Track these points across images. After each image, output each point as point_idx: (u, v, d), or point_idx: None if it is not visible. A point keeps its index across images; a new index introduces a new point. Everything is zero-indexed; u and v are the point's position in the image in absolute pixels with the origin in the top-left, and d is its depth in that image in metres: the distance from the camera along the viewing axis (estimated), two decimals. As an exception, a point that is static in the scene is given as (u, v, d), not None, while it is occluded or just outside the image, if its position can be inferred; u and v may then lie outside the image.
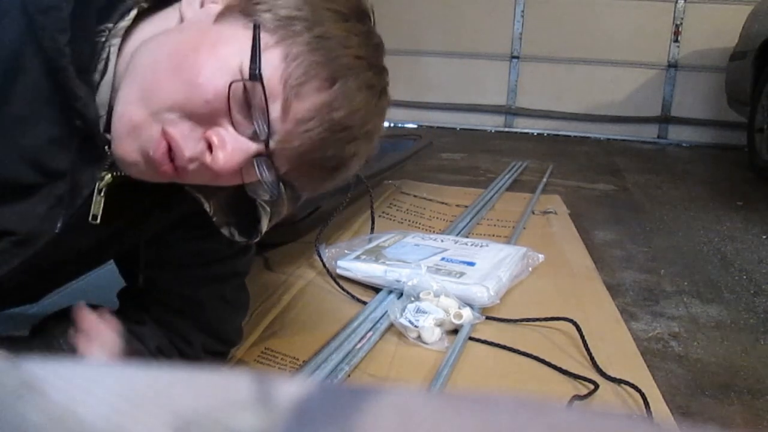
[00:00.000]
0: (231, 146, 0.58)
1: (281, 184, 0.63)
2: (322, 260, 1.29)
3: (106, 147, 0.61)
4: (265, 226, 0.76)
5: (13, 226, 0.61)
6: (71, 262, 0.74)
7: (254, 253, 0.90)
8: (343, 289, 1.22)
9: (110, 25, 0.61)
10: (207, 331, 0.84)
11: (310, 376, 0.89)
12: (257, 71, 0.56)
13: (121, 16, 0.61)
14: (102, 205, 0.64)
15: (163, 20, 0.63)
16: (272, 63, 0.57)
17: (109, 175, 0.64)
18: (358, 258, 1.31)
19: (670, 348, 1.13)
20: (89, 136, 0.60)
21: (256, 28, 0.58)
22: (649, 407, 0.87)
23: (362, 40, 0.61)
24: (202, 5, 0.61)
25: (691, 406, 0.94)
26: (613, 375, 0.95)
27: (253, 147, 0.59)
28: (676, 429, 0.15)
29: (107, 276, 0.89)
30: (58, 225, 0.62)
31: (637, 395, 0.90)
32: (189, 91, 0.56)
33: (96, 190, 0.64)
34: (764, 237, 1.92)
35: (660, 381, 0.97)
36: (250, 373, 0.16)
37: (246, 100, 0.57)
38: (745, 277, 1.54)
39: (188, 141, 0.58)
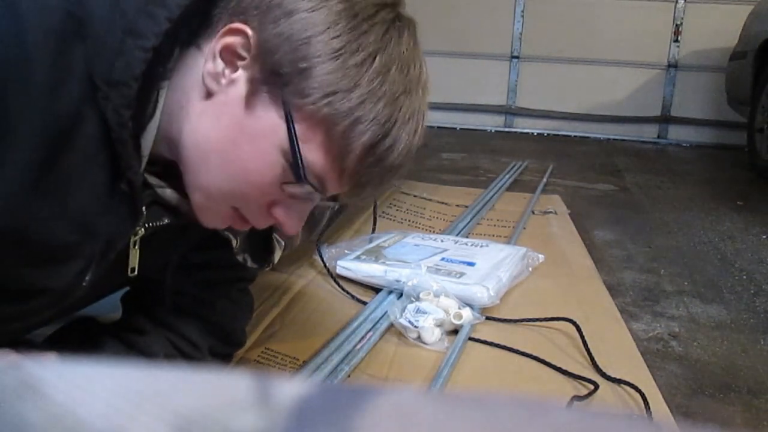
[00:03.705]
0: (297, 218, 0.64)
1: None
2: (322, 260, 1.29)
3: (143, 207, 0.63)
4: (277, 257, 0.80)
5: (50, 284, 0.60)
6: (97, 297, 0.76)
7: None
8: (343, 289, 1.22)
9: (166, 82, 0.59)
10: (215, 333, 0.84)
11: (310, 376, 0.89)
12: (301, 172, 0.58)
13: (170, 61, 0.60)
14: (138, 257, 0.67)
15: (188, 69, 0.60)
16: (315, 153, 0.58)
17: (143, 230, 0.65)
18: (358, 258, 1.31)
19: (670, 348, 1.13)
20: (131, 199, 0.61)
21: (290, 120, 0.57)
22: (649, 407, 0.87)
23: (397, 70, 0.59)
24: (223, 76, 0.58)
25: (691, 406, 0.94)
26: (613, 375, 0.95)
27: (315, 202, 0.63)
28: (676, 429, 0.15)
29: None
30: (87, 279, 0.62)
31: (637, 395, 0.90)
32: (244, 188, 0.60)
33: (132, 244, 0.66)
34: (764, 237, 1.92)
35: (660, 381, 0.97)
36: (250, 373, 0.16)
37: (299, 186, 0.61)
38: (745, 277, 1.54)
39: (258, 218, 0.63)
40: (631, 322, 1.21)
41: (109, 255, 0.63)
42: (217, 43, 0.57)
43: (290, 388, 0.15)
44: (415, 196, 2.07)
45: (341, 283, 1.25)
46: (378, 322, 1.08)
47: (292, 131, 0.57)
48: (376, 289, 1.24)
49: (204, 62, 0.58)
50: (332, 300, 1.20)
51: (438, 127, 4.62)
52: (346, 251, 1.35)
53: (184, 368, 0.16)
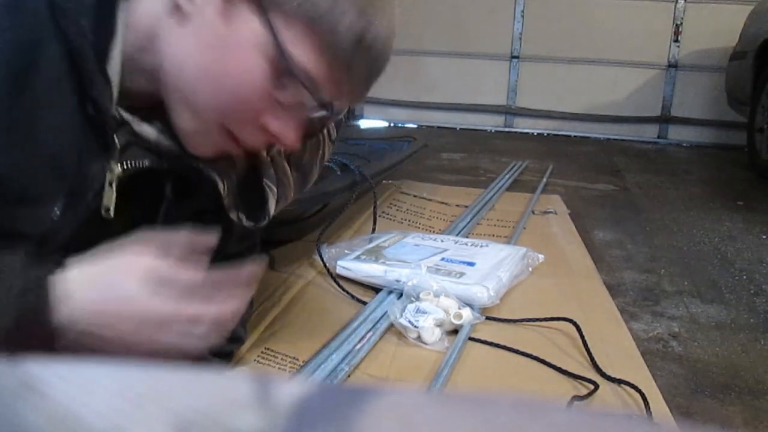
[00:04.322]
0: (292, 127, 0.63)
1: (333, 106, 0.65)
2: (323, 260, 1.29)
3: (115, 136, 0.61)
4: (272, 208, 0.77)
5: (26, 228, 0.59)
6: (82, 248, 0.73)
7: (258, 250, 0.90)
8: (343, 289, 1.22)
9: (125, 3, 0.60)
10: None
11: (310, 377, 0.89)
12: (289, 66, 0.58)
13: None
14: (114, 197, 0.63)
15: None
16: (301, 49, 0.59)
17: (119, 168, 0.63)
18: (358, 258, 1.31)
19: (670, 348, 1.13)
20: (100, 125, 0.60)
21: (271, 25, 0.58)
22: (649, 407, 0.87)
23: None
24: None
25: (691, 406, 0.94)
26: (613, 375, 0.95)
27: (310, 111, 0.63)
28: (676, 429, 0.15)
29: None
30: (58, 215, 0.60)
31: (637, 395, 0.90)
32: (233, 101, 0.60)
33: (107, 183, 0.63)
34: (764, 237, 1.92)
35: (660, 381, 0.97)
36: (250, 373, 0.16)
37: (290, 86, 0.60)
38: (745, 277, 1.54)
39: (251, 134, 0.63)
40: (631, 322, 1.21)
41: (84, 194, 0.61)
42: None
43: (290, 388, 0.15)
44: (415, 196, 2.07)
45: (341, 283, 1.25)
46: (378, 322, 1.08)
47: (275, 34, 0.58)
48: (376, 289, 1.24)
49: None
50: (332, 300, 1.20)
51: (438, 127, 4.63)
52: (346, 251, 1.36)
53: (184, 368, 0.16)
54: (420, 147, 2.30)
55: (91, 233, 0.65)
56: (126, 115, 0.62)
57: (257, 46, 0.58)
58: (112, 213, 0.64)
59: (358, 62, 0.61)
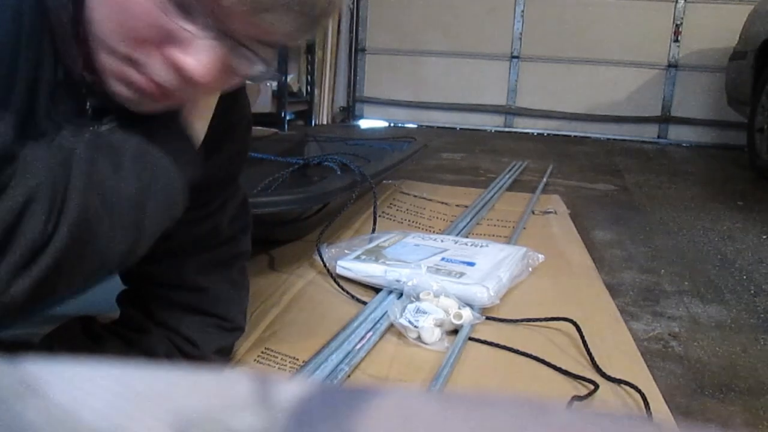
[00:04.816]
0: (203, 56, 0.56)
1: (268, 60, 0.59)
2: (322, 260, 1.29)
3: (89, 106, 0.60)
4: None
5: None
6: None
7: (251, 230, 0.90)
8: (343, 289, 1.22)
9: None
10: (216, 324, 0.84)
11: (310, 377, 0.89)
12: None
13: None
14: None
15: None
16: None
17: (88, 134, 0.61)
18: (358, 258, 1.31)
19: (670, 348, 1.13)
20: (72, 92, 0.58)
21: None
22: (649, 407, 0.87)
23: None
24: None
25: (691, 406, 0.94)
26: (613, 375, 0.95)
27: (225, 49, 0.56)
28: (676, 429, 0.15)
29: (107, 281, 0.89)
30: None
31: (637, 395, 0.90)
32: (131, 23, 0.55)
33: None
34: (764, 237, 1.92)
35: (660, 381, 0.97)
36: (250, 373, 0.16)
37: (197, 15, 0.55)
38: (745, 277, 1.54)
39: (160, 68, 0.56)
40: (631, 322, 1.21)
41: None
42: None
43: (290, 388, 0.15)
44: (415, 196, 2.07)
45: (341, 283, 1.25)
46: (378, 322, 1.08)
47: None
48: (376, 289, 1.24)
49: None
50: (332, 300, 1.20)
51: (438, 127, 4.63)
52: (346, 251, 1.36)
53: (184, 368, 0.16)
54: (420, 147, 2.30)
55: None
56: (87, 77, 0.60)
57: None
58: None
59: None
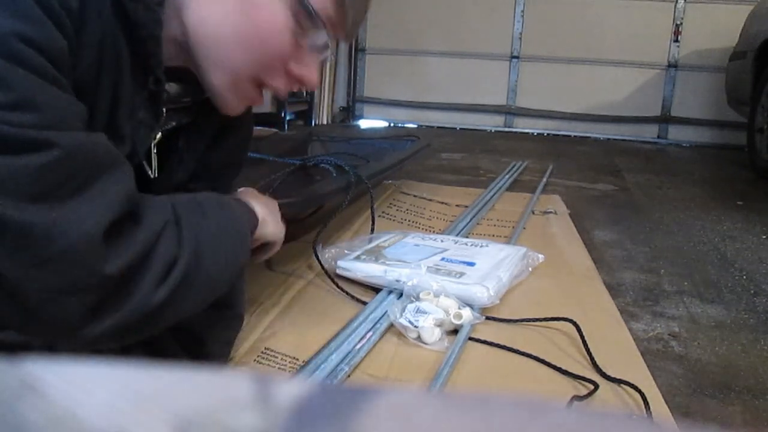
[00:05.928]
0: (314, 69, 0.71)
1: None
2: (319, 261, 1.29)
3: (164, 109, 0.68)
4: None
5: None
6: None
7: None
8: (342, 290, 1.22)
9: None
10: (219, 314, 0.85)
11: (310, 376, 0.89)
12: (308, 12, 0.66)
13: None
14: (156, 159, 0.72)
15: None
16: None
17: (160, 133, 0.71)
18: (358, 258, 1.31)
19: (670, 348, 1.13)
20: (155, 99, 0.66)
21: None
22: (649, 407, 0.87)
23: None
24: None
25: (691, 406, 0.94)
26: (613, 375, 0.95)
27: (325, 51, 0.70)
28: (676, 429, 0.15)
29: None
30: None
31: (637, 395, 0.90)
32: (264, 54, 0.67)
33: (152, 148, 0.71)
34: (764, 237, 1.92)
35: (660, 381, 0.97)
36: (250, 373, 0.16)
37: (309, 30, 0.68)
38: (745, 277, 1.54)
39: (280, 83, 0.70)
40: (631, 322, 1.21)
41: (134, 161, 0.67)
42: None
43: (290, 388, 0.15)
44: (415, 196, 2.07)
45: (341, 283, 1.25)
46: (378, 322, 1.08)
47: None
48: (376, 289, 1.24)
49: None
50: (332, 300, 1.20)
51: (438, 127, 4.63)
52: (345, 251, 1.35)
53: (184, 368, 0.16)
54: (423, 147, 2.29)
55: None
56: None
57: (278, 2, 0.65)
58: (156, 173, 0.73)
59: (358, 2, 0.69)
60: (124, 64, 0.60)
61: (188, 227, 0.64)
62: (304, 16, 0.66)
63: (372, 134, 3.72)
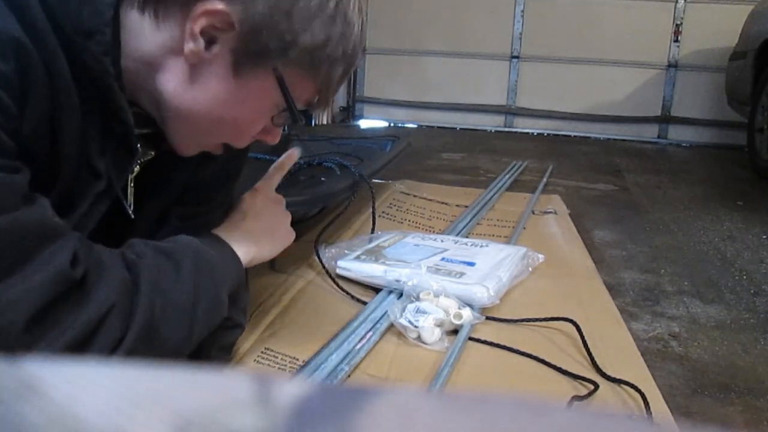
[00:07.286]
0: (278, 135, 0.73)
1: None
2: (321, 261, 1.29)
3: (138, 145, 0.67)
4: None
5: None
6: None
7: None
8: (342, 290, 1.22)
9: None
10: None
11: (310, 377, 0.89)
12: (296, 116, 0.68)
13: None
14: (133, 192, 0.72)
15: (151, 33, 0.63)
16: (301, 88, 0.67)
17: (138, 167, 0.72)
18: (358, 258, 1.31)
19: (670, 348, 1.13)
20: (126, 138, 0.65)
21: (281, 81, 0.65)
22: (649, 407, 0.87)
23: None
24: (205, 52, 0.62)
25: (691, 406, 0.94)
26: (613, 375, 0.95)
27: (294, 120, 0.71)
28: (676, 429, 0.15)
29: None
30: (94, 216, 0.67)
31: (637, 395, 0.90)
32: (236, 133, 0.70)
33: (129, 183, 0.71)
34: (764, 237, 1.92)
35: (660, 381, 0.97)
36: (250, 373, 0.16)
37: (284, 112, 0.69)
38: (745, 277, 1.54)
39: (242, 144, 0.72)
40: (631, 322, 1.21)
41: (112, 195, 0.67)
42: (195, 23, 0.61)
43: (290, 388, 0.15)
44: (415, 196, 2.07)
45: (341, 283, 1.25)
46: (378, 322, 1.08)
47: (283, 84, 0.65)
48: (376, 289, 1.24)
49: (184, 38, 0.62)
50: (332, 300, 1.20)
51: (438, 127, 4.62)
52: (345, 251, 1.35)
53: (184, 368, 0.16)
54: (405, 146, 2.26)
55: (110, 230, 0.72)
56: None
57: (266, 94, 0.65)
58: (132, 207, 0.73)
59: (339, 75, 0.69)
60: (87, 108, 0.60)
61: (147, 294, 0.61)
62: (282, 105, 0.68)
63: (351, 134, 3.68)
